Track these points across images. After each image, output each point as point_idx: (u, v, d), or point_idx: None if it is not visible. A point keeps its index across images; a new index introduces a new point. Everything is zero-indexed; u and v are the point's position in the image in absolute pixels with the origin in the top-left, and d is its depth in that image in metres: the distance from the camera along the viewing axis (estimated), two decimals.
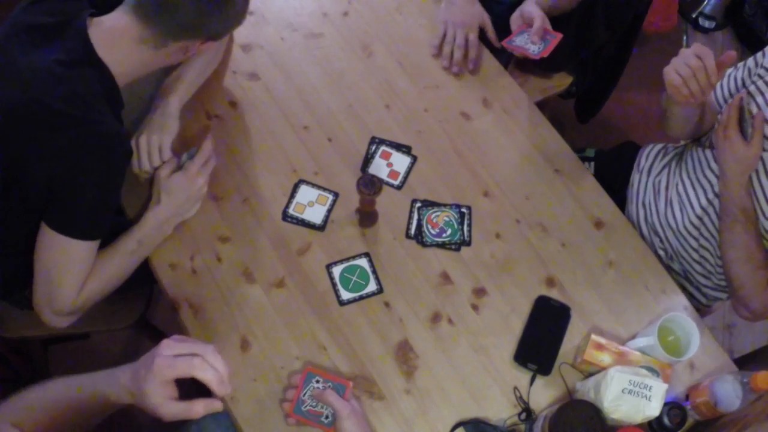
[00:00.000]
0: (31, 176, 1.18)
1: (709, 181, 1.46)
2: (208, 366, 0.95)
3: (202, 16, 1.19)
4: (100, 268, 1.29)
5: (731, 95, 1.45)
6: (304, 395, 1.21)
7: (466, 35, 1.62)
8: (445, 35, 1.63)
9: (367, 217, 1.43)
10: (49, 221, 1.21)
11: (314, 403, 1.21)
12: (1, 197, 1.25)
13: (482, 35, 1.68)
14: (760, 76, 1.39)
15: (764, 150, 1.34)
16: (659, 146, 1.70)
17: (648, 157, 1.69)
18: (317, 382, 1.22)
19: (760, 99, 1.36)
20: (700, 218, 1.48)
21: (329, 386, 1.22)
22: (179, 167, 1.38)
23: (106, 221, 1.26)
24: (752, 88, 1.39)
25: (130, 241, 1.33)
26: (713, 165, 1.45)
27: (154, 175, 1.37)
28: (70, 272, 1.24)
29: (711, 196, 1.45)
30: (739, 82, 1.44)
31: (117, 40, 1.20)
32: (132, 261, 1.34)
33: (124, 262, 1.33)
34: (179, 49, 1.25)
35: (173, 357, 0.95)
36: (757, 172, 1.35)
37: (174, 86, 1.40)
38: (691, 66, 1.25)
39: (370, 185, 1.31)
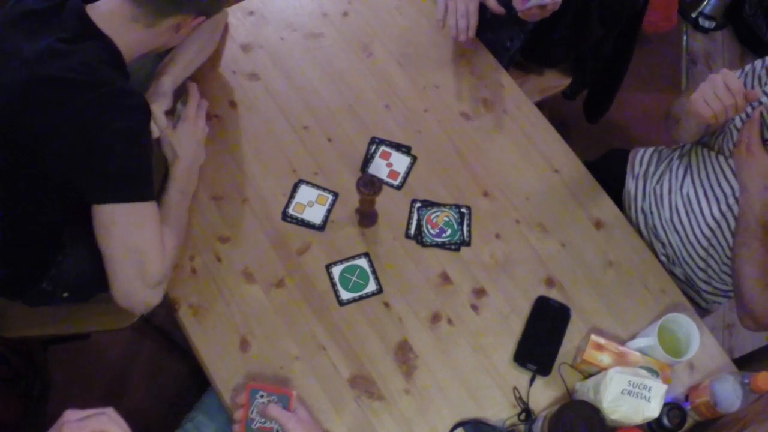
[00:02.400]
0: (52, 157, 1.18)
1: (724, 192, 1.44)
2: (115, 423, 1.01)
3: None
4: (165, 227, 1.29)
5: None
6: (252, 413, 1.18)
7: (466, 5, 1.60)
8: (447, 9, 1.61)
9: (366, 217, 1.43)
10: (103, 197, 1.19)
11: (263, 420, 1.18)
12: (14, 188, 1.26)
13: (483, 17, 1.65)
14: None
15: None
16: (651, 150, 1.69)
17: (642, 162, 1.68)
18: (261, 397, 1.19)
19: None
20: (712, 229, 1.47)
21: (273, 400, 1.19)
22: (177, 118, 1.39)
23: (150, 177, 1.25)
24: (765, 99, 1.37)
25: (174, 194, 1.33)
26: (729, 175, 1.44)
27: (160, 137, 1.37)
28: (150, 239, 1.23)
29: (724, 207, 1.44)
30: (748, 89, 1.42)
31: (112, 21, 1.22)
32: (184, 211, 1.37)
33: (178, 214, 1.34)
34: (172, 26, 1.27)
35: (80, 419, 0.99)
36: None
37: (166, 68, 1.41)
38: (723, 101, 1.25)
39: (369, 185, 1.31)
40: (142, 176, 1.23)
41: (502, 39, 1.80)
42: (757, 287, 1.35)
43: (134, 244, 1.21)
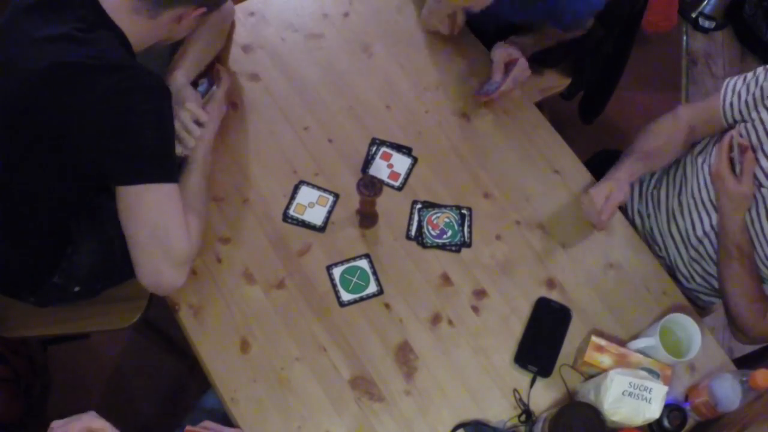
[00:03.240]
0: (79, 141, 1.19)
1: (714, 205, 1.43)
2: (98, 418, 1.05)
3: None
4: (190, 210, 1.29)
5: (741, 115, 1.42)
6: None
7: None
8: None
9: (367, 218, 1.43)
10: (128, 179, 1.20)
11: None
12: (19, 180, 1.27)
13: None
14: None
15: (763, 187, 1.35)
16: None
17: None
18: None
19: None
20: (700, 240, 1.47)
21: None
22: (207, 100, 1.40)
23: (174, 159, 1.27)
24: (765, 114, 1.36)
25: (197, 177, 1.34)
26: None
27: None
28: (174, 218, 1.24)
29: (715, 222, 1.44)
30: (751, 102, 1.40)
31: (119, 12, 1.24)
32: (206, 193, 1.37)
33: (201, 196, 1.35)
34: (173, 18, 1.28)
35: (65, 422, 1.04)
36: (758, 214, 1.36)
37: (177, 63, 1.42)
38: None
39: (370, 186, 1.31)
40: (168, 157, 1.25)
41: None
42: (741, 304, 1.38)
43: (160, 223, 1.22)
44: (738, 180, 1.34)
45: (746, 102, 1.40)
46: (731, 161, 1.35)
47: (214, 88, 1.44)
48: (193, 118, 1.35)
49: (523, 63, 1.55)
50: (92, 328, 1.67)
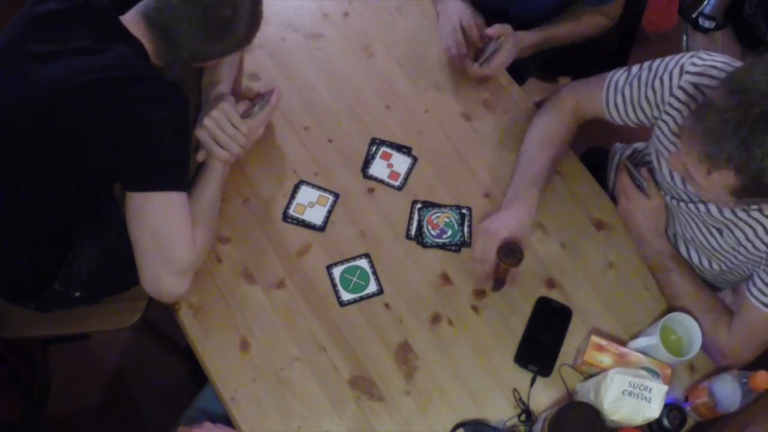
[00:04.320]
0: (97, 150, 1.20)
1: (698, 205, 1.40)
2: None
3: (205, 49, 1.28)
4: (200, 219, 1.30)
5: (638, 120, 1.40)
6: None
7: (452, 26, 1.60)
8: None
9: (500, 282, 1.36)
10: (138, 186, 1.22)
11: None
12: (24, 187, 1.28)
13: None
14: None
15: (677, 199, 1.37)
16: (629, 150, 1.68)
17: (623, 156, 1.67)
18: None
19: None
20: (691, 239, 1.46)
21: None
22: (248, 115, 1.40)
23: (188, 169, 1.28)
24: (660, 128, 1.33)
25: (214, 188, 1.35)
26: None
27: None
28: (179, 226, 1.24)
29: (699, 224, 1.42)
30: (648, 111, 1.36)
31: (138, 35, 1.25)
32: (218, 205, 1.37)
33: (213, 207, 1.35)
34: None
35: None
36: (689, 223, 1.37)
37: (217, 76, 1.44)
38: None
39: (510, 254, 1.25)
40: (181, 166, 1.26)
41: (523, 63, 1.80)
42: (706, 323, 1.30)
43: (164, 231, 1.23)
44: (647, 196, 1.39)
45: (641, 107, 1.35)
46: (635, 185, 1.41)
47: (256, 108, 1.41)
48: (228, 120, 1.35)
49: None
50: (92, 329, 1.68)
